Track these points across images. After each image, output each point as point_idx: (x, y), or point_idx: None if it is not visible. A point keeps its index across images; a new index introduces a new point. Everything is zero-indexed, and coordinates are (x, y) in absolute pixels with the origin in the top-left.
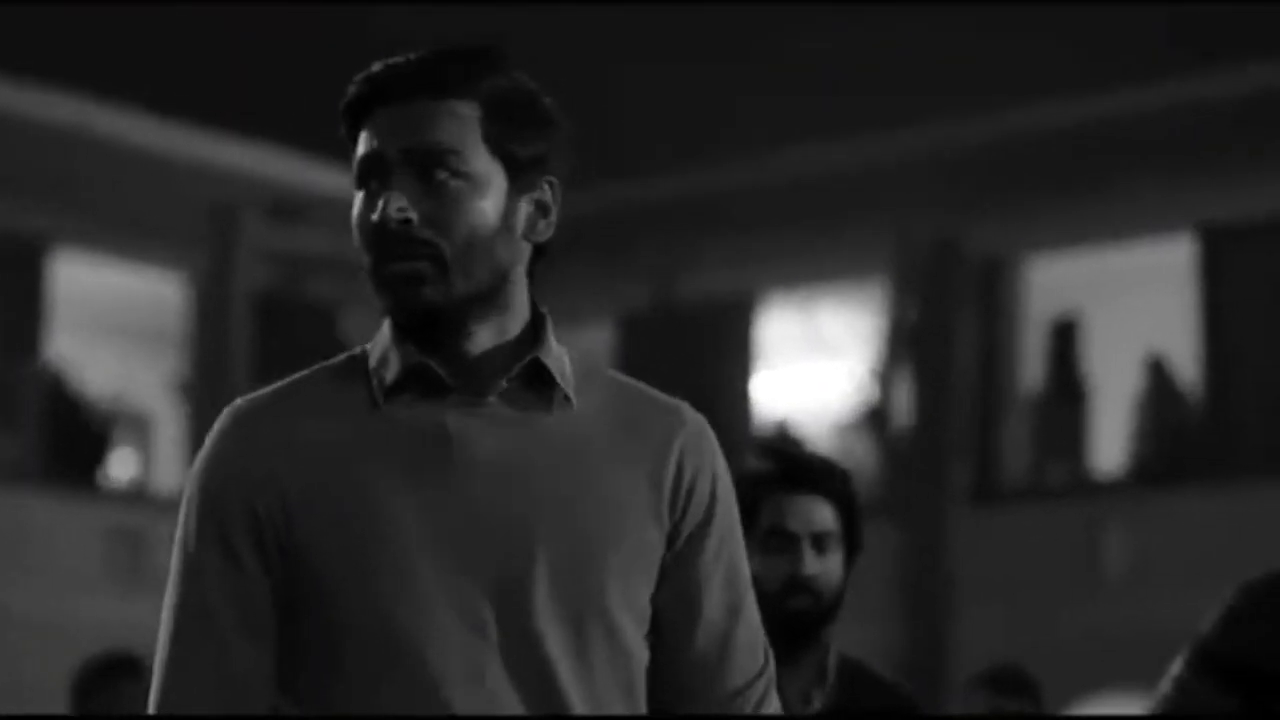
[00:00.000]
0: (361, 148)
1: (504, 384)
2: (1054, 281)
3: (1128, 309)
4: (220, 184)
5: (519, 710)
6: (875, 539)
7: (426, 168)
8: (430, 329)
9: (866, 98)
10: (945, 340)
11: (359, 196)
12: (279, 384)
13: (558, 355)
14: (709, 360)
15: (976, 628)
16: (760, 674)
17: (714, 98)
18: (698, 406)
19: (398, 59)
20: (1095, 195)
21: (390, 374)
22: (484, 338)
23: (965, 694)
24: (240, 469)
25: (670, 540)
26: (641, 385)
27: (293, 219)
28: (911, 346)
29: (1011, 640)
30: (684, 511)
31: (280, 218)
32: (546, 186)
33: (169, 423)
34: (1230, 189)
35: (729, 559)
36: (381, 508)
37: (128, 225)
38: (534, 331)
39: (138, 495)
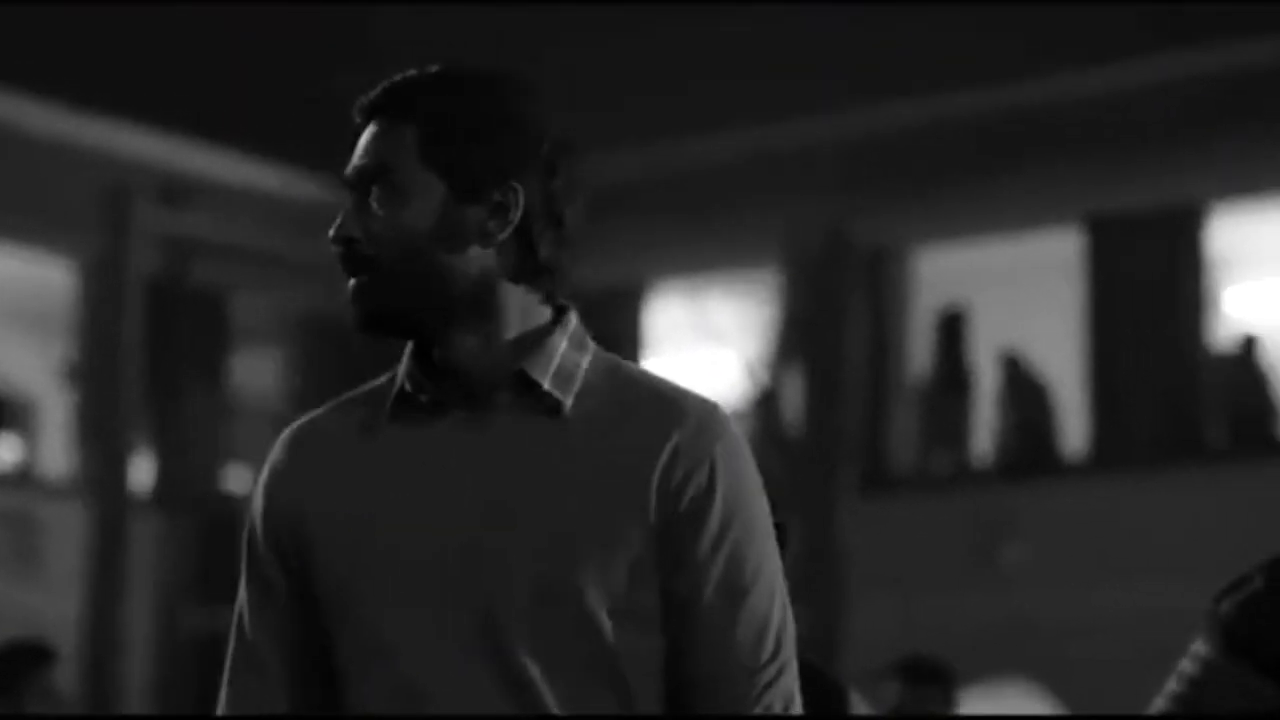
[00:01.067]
0: None
1: (496, 396)
2: (942, 272)
3: (1015, 300)
4: (110, 169)
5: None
6: None
7: (365, 187)
8: (412, 342)
9: (755, 87)
10: (834, 330)
11: None
12: (328, 404)
13: (564, 358)
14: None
15: (868, 617)
16: (764, 666)
17: (603, 86)
18: None
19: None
20: (983, 187)
21: (392, 394)
22: (470, 347)
23: (877, 684)
24: (270, 499)
25: (661, 536)
26: (658, 380)
27: (183, 204)
28: (801, 336)
29: (903, 629)
30: (674, 506)
31: (170, 202)
32: (507, 192)
33: (56, 408)
34: (1117, 181)
35: (731, 550)
36: (371, 526)
37: (16, 210)
38: (540, 333)
39: (24, 479)
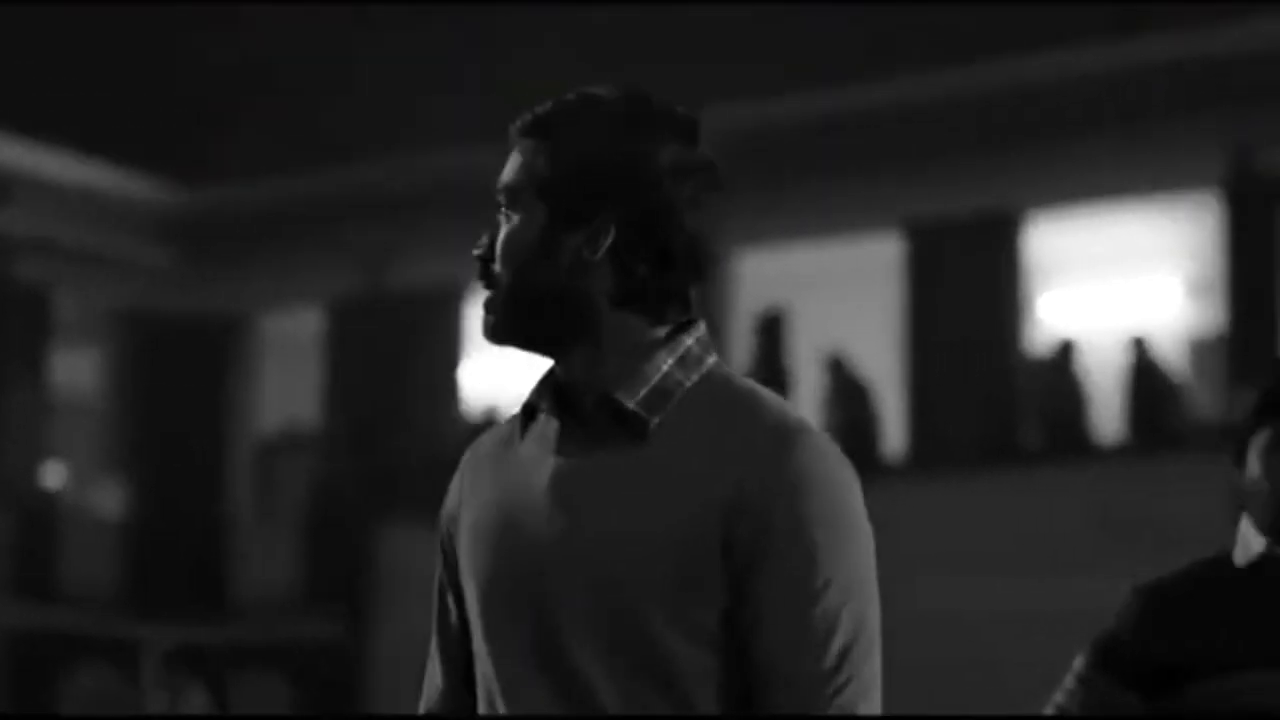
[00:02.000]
0: None
1: (597, 414)
2: (762, 276)
3: (835, 304)
4: None
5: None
6: None
7: (500, 207)
8: (540, 358)
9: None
10: None
11: None
12: (498, 424)
13: (664, 377)
14: (418, 347)
15: None
16: (805, 697)
17: (427, 87)
18: (405, 393)
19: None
20: (805, 192)
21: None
22: (578, 365)
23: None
24: (443, 512)
25: (728, 563)
26: (761, 403)
27: (4, 200)
28: None
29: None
30: (744, 536)
31: None
32: (603, 219)
33: None
34: (937, 188)
35: (797, 588)
36: (477, 536)
37: None
38: (642, 354)
39: None
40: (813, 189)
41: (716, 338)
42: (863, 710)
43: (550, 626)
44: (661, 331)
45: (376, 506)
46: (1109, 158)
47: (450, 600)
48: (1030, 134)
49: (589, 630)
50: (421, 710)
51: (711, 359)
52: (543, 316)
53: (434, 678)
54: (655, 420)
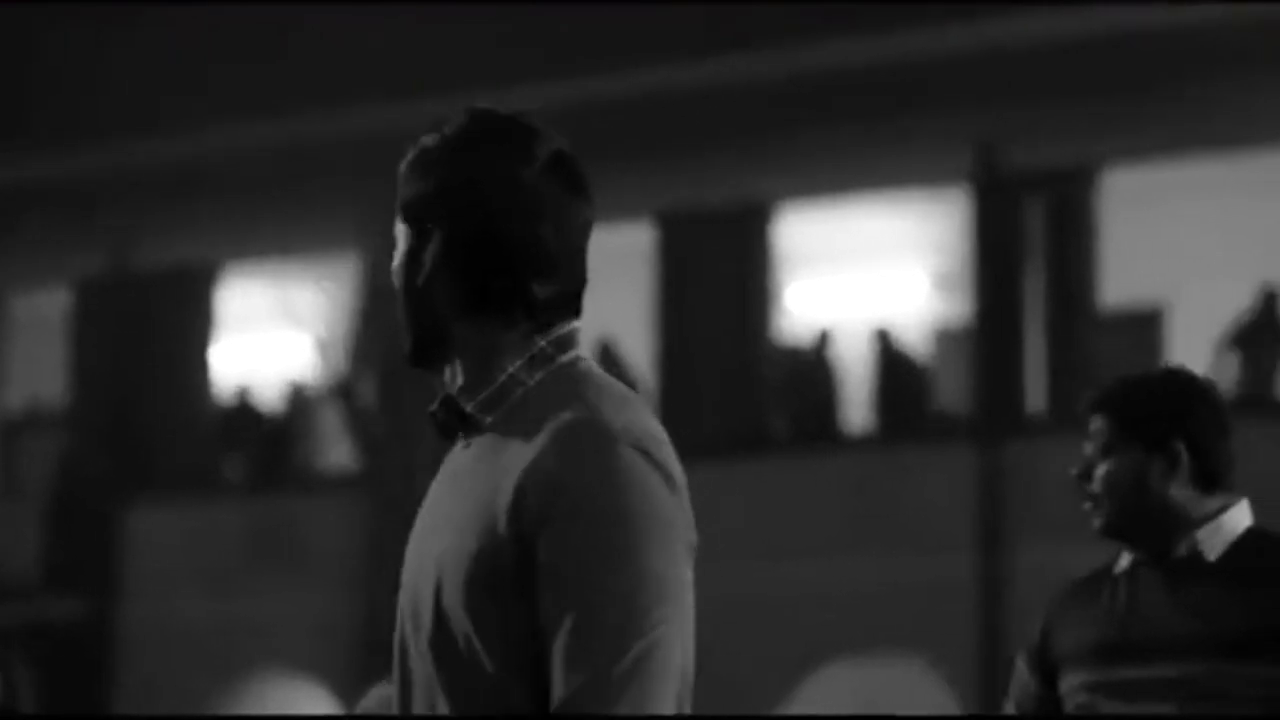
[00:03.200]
0: None
1: (444, 419)
2: None
3: (588, 292)
4: None
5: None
6: (343, 510)
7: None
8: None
9: (339, 71)
10: None
11: None
12: None
13: (509, 379)
14: (167, 327)
15: None
16: (570, 699)
17: (181, 66)
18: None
19: None
20: None
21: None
22: (448, 377)
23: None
24: None
25: (518, 552)
26: (576, 398)
27: None
28: (380, 321)
29: None
30: (523, 523)
31: None
32: (430, 231)
33: None
34: (689, 178)
35: (569, 571)
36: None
37: None
38: (492, 358)
39: None
40: None
41: None
42: (651, 709)
43: (409, 636)
44: (515, 335)
45: (123, 486)
46: (857, 151)
47: None
48: (780, 127)
49: (426, 638)
50: None
51: (566, 357)
52: (413, 332)
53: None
54: (489, 420)
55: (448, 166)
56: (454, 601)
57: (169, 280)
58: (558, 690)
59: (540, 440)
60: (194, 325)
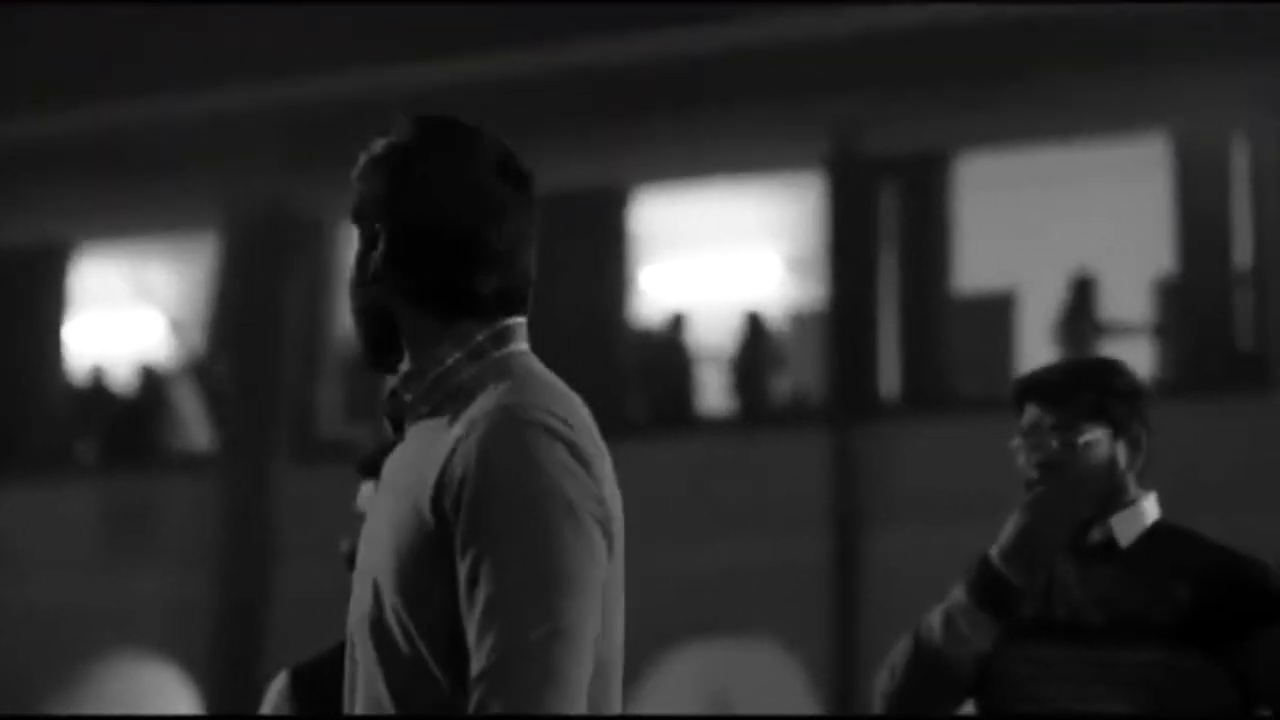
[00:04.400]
0: None
1: (389, 410)
2: None
3: None
4: None
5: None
6: (198, 491)
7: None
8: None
9: (193, 50)
10: (271, 298)
11: None
12: None
13: (447, 370)
14: (20, 306)
15: (296, 582)
16: (476, 681)
17: (36, 44)
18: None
19: None
20: None
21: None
22: (392, 371)
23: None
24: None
25: (440, 536)
26: (500, 386)
27: None
28: (237, 302)
29: (338, 596)
30: (444, 506)
31: None
32: (376, 230)
33: None
34: (542, 160)
35: (478, 554)
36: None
37: None
38: (431, 350)
39: None
40: None
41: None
42: (548, 698)
43: (356, 621)
44: (458, 329)
45: None
46: (713, 135)
47: None
48: (637, 109)
49: (368, 622)
50: None
51: (503, 351)
52: (366, 329)
53: None
54: (424, 409)
55: (394, 168)
56: (388, 585)
57: (22, 259)
58: (472, 672)
59: (464, 428)
60: (47, 304)
